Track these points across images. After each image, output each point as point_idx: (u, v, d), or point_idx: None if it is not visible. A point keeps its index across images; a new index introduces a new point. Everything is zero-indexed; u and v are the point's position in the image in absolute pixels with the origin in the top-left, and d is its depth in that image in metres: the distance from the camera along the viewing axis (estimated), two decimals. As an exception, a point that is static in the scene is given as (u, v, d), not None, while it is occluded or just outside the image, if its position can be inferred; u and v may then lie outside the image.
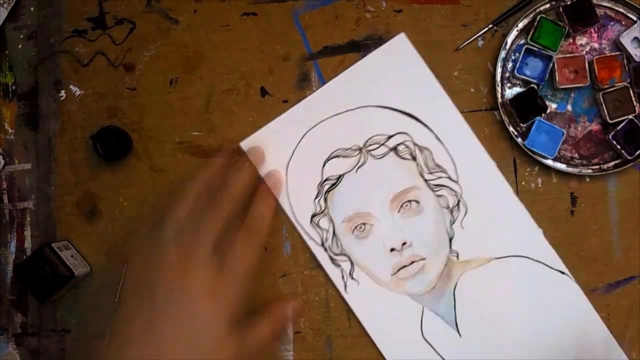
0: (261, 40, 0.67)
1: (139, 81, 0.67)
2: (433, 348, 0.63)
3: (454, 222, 0.64)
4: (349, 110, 0.65)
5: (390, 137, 0.65)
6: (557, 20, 0.63)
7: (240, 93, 0.67)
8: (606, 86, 0.63)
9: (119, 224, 0.66)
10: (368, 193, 0.64)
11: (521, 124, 0.64)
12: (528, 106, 0.63)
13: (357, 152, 0.65)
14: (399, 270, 0.64)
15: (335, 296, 0.65)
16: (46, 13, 0.68)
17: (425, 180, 0.64)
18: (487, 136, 0.65)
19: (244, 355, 0.54)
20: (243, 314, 0.56)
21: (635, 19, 0.64)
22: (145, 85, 0.67)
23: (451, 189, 0.64)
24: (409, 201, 0.64)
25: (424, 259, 0.64)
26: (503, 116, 0.64)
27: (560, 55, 0.64)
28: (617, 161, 0.64)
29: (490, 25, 0.65)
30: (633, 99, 0.63)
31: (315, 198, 0.65)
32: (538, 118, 0.63)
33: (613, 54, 0.63)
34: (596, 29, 0.65)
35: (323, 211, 0.65)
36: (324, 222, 0.65)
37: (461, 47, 0.66)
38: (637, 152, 0.62)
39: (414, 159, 0.64)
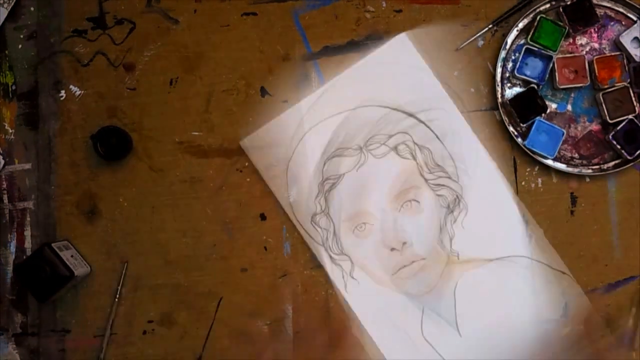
0: (261, 40, 0.67)
1: (139, 81, 0.67)
2: (433, 348, 0.63)
3: (454, 222, 0.64)
4: (350, 109, 0.65)
5: (390, 136, 0.65)
6: (557, 20, 0.63)
7: (240, 93, 0.67)
8: (606, 86, 0.63)
9: (119, 224, 0.66)
10: (368, 192, 0.64)
11: (521, 124, 0.64)
12: (528, 106, 0.63)
13: (358, 151, 0.65)
14: (399, 269, 0.64)
15: (335, 295, 0.65)
16: (46, 13, 0.68)
17: (426, 180, 0.64)
18: (487, 136, 0.65)
19: None
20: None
21: (635, 19, 0.64)
22: (145, 85, 0.67)
23: (451, 188, 0.64)
24: (409, 200, 0.64)
25: (424, 259, 0.64)
26: (503, 116, 0.64)
27: (560, 55, 0.64)
28: (617, 161, 0.64)
29: (490, 25, 0.65)
30: (633, 98, 0.63)
31: (316, 197, 0.65)
32: (538, 118, 0.63)
33: (613, 54, 0.63)
34: (596, 29, 0.65)
35: (323, 210, 0.65)
36: (324, 222, 0.65)
37: (461, 47, 0.66)
38: (637, 152, 0.62)
39: (414, 158, 0.64)
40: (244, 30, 0.67)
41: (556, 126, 0.63)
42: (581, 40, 0.65)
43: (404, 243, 0.64)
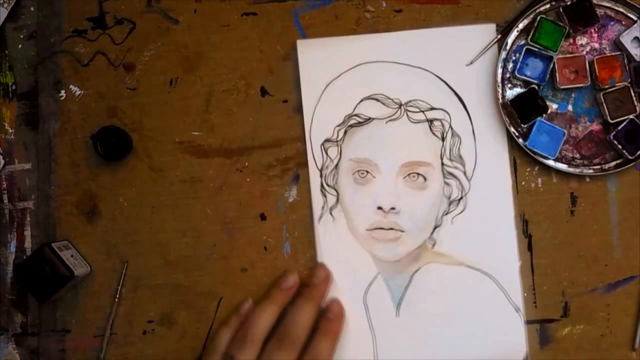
0: (261, 40, 0.67)
1: (139, 81, 0.67)
2: (367, 314, 0.64)
3: (446, 214, 0.64)
4: (410, 65, 0.65)
5: (432, 108, 0.65)
6: (557, 21, 0.63)
7: (240, 93, 0.67)
8: (607, 86, 0.63)
9: (119, 224, 0.66)
10: (386, 147, 0.64)
11: (522, 125, 0.64)
12: (529, 107, 0.63)
13: (397, 106, 0.65)
14: (375, 229, 0.64)
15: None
16: (46, 13, 0.68)
17: (442, 164, 0.64)
18: (487, 137, 0.65)
19: None
20: None
21: (635, 18, 0.64)
22: (145, 85, 0.67)
23: (460, 183, 0.64)
24: (418, 174, 0.64)
25: (402, 232, 0.64)
26: (504, 117, 0.64)
27: (561, 56, 0.64)
28: (618, 161, 0.64)
29: (499, 36, 0.65)
30: (634, 98, 0.63)
31: (338, 126, 0.65)
32: (539, 118, 0.63)
33: (613, 53, 0.63)
34: (596, 29, 0.65)
35: (337, 140, 0.65)
36: (332, 151, 0.65)
37: (474, 60, 0.65)
38: (638, 152, 0.62)
39: (443, 140, 0.64)
40: (244, 30, 0.67)
41: (557, 126, 0.63)
42: (581, 40, 0.65)
43: (392, 208, 0.64)
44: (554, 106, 0.65)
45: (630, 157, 0.62)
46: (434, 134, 0.65)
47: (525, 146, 0.63)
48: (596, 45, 0.65)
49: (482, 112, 0.65)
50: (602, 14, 0.65)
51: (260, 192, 0.66)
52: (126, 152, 0.66)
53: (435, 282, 0.64)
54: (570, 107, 0.65)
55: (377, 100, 0.65)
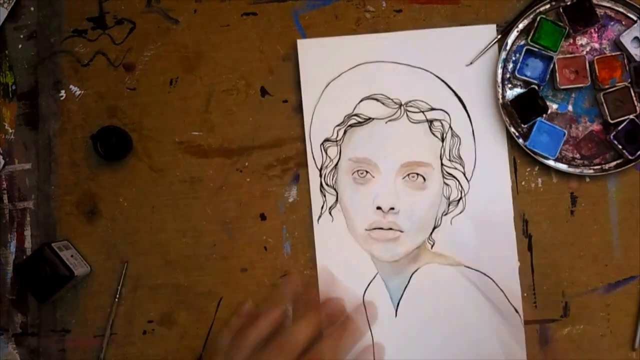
0: (261, 40, 0.67)
1: (139, 81, 0.67)
2: (366, 314, 0.64)
3: (446, 214, 0.64)
4: (410, 65, 0.65)
5: (432, 109, 0.65)
6: (557, 21, 0.63)
7: (240, 93, 0.67)
8: (607, 86, 0.63)
9: (119, 224, 0.66)
10: (385, 147, 0.65)
11: (522, 125, 0.64)
12: (529, 107, 0.63)
13: (397, 106, 0.65)
14: (374, 229, 0.64)
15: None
16: (46, 13, 0.68)
17: (442, 164, 0.64)
18: (487, 137, 0.65)
19: None
20: None
21: (635, 18, 0.64)
22: (145, 85, 0.67)
23: (460, 184, 0.64)
24: (417, 174, 0.64)
25: (401, 232, 0.64)
26: (504, 117, 0.64)
27: (561, 56, 0.64)
28: (618, 161, 0.64)
29: (499, 37, 0.65)
30: (634, 98, 0.63)
31: (338, 125, 0.65)
32: (539, 119, 0.63)
33: (613, 53, 0.63)
34: (596, 29, 0.65)
35: (337, 140, 0.65)
36: (332, 151, 0.65)
37: (473, 61, 0.65)
38: (639, 152, 0.62)
39: (443, 140, 0.64)
40: (244, 30, 0.67)
41: (557, 127, 0.63)
42: (581, 40, 0.65)
43: (392, 208, 0.64)
44: (554, 106, 0.65)
45: (630, 157, 0.62)
46: (433, 134, 0.65)
47: (525, 146, 0.63)
48: (596, 45, 0.65)
49: (482, 112, 0.65)
50: (602, 14, 0.65)
51: (260, 192, 0.66)
52: (126, 152, 0.66)
53: (434, 283, 0.64)
54: (570, 107, 0.65)
55: (377, 100, 0.65)
